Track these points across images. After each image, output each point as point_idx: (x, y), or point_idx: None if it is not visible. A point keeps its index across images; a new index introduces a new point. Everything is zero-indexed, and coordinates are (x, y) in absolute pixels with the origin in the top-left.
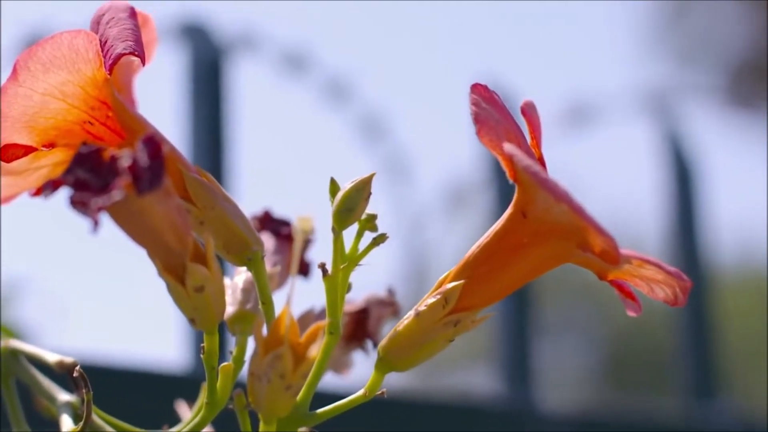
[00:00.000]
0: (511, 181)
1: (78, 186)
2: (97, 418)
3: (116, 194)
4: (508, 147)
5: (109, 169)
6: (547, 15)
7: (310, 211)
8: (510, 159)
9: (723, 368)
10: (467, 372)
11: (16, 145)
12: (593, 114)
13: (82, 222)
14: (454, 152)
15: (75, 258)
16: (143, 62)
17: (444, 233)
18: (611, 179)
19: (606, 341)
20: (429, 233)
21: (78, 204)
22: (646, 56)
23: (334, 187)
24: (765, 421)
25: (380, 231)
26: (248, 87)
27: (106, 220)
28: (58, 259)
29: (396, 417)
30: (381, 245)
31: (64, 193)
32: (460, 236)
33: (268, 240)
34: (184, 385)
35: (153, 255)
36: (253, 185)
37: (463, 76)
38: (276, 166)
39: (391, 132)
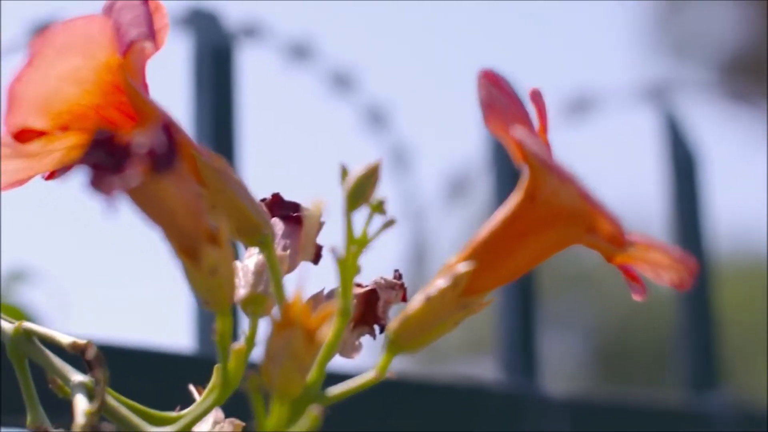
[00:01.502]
0: (517, 166)
1: (94, 169)
2: (111, 398)
3: (132, 177)
4: (517, 132)
5: (124, 153)
6: (547, 6)
7: (317, 197)
8: (519, 144)
9: (722, 359)
10: (466, 362)
11: (30, 129)
12: (593, 106)
13: (89, 207)
14: (455, 141)
15: (77, 244)
16: (155, 48)
17: (443, 220)
18: (611, 171)
19: (600, 332)
20: (428, 220)
21: (94, 187)
22: (644, 49)
23: (344, 172)
24: (764, 412)
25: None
26: (255, 74)
27: (121, 204)
28: (61, 246)
29: (398, 399)
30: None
31: (78, 177)
32: (459, 223)
33: (278, 224)
34: (193, 368)
35: (168, 237)
36: (259, 171)
37: (466, 66)
38: (280, 154)
39: (394, 121)
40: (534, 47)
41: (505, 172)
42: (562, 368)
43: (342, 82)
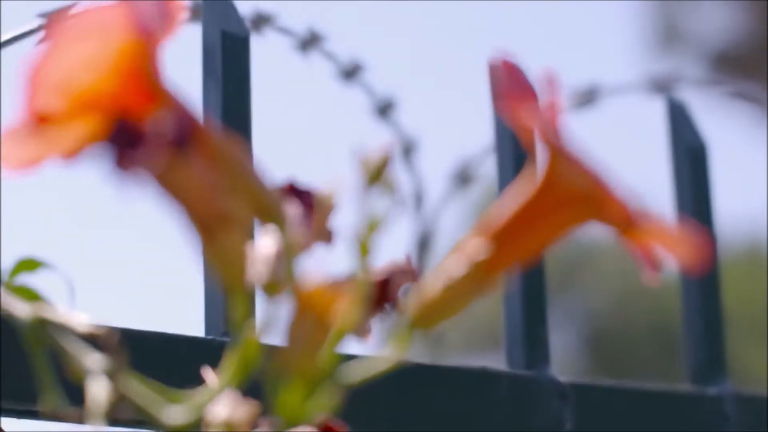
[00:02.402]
0: (527, 151)
1: (113, 151)
2: (127, 382)
3: (151, 160)
4: (530, 117)
5: (143, 136)
6: (552, 1)
7: (329, 181)
8: (532, 129)
9: (727, 348)
10: (470, 357)
11: (48, 113)
12: (599, 98)
13: (99, 194)
14: (459, 130)
15: (81, 233)
16: (171, 34)
17: (445, 208)
18: (618, 161)
19: (594, 322)
20: (432, 208)
21: (116, 166)
22: (648, 45)
23: (360, 155)
24: (764, 401)
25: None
26: (266, 61)
27: (139, 187)
28: (64, 235)
29: (407, 383)
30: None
31: (94, 161)
32: (460, 210)
33: (292, 208)
34: (206, 351)
35: (185, 219)
36: (269, 158)
37: (475, 57)
38: (290, 140)
39: (399, 112)
40: (540, 40)
41: (510, 158)
42: (556, 358)
43: (350, 72)
